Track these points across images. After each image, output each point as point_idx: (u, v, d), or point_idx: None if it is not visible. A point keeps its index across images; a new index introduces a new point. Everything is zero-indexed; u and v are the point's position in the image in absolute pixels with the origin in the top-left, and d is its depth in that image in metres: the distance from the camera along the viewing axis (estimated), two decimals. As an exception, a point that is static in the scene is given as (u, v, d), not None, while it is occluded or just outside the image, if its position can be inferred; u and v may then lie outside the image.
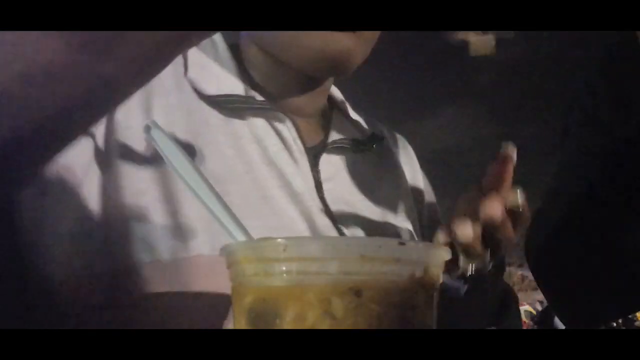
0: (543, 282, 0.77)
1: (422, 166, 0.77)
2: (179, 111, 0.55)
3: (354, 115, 0.72)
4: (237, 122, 0.58)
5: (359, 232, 0.60)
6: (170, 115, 0.54)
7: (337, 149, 0.64)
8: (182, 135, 0.53)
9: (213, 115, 0.57)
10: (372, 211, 0.64)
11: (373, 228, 0.62)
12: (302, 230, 0.55)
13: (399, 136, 0.78)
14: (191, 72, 0.58)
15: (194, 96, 0.57)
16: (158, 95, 0.55)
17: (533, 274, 0.76)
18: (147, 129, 0.36)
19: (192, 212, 0.50)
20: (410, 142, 0.79)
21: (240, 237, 0.34)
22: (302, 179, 0.58)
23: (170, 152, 0.35)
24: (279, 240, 0.29)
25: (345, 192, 0.62)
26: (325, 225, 0.57)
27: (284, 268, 0.29)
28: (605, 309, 0.72)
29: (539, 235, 0.75)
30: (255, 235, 0.35)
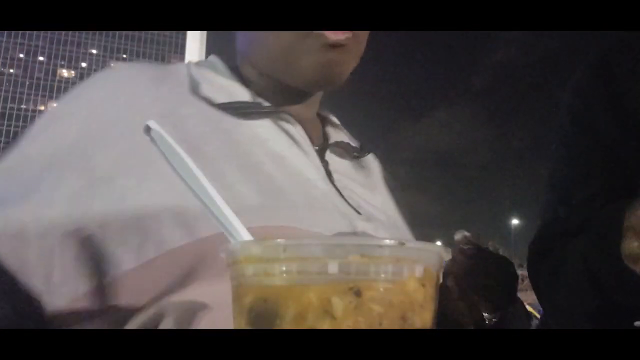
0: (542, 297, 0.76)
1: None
2: (192, 120, 0.56)
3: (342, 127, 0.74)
4: (247, 125, 0.60)
5: (376, 216, 0.62)
6: (184, 125, 0.55)
7: (337, 150, 0.67)
8: (194, 142, 0.54)
9: (224, 120, 0.59)
10: (375, 206, 0.65)
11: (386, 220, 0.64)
12: (322, 216, 0.56)
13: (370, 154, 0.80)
14: (202, 86, 0.60)
15: (204, 106, 0.59)
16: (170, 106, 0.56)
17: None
18: (147, 129, 0.36)
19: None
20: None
21: (240, 237, 0.34)
22: (314, 168, 0.61)
23: (170, 152, 0.35)
24: (279, 240, 0.29)
25: (350, 185, 0.64)
26: (344, 208, 0.59)
27: (284, 268, 0.29)
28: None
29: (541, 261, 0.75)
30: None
